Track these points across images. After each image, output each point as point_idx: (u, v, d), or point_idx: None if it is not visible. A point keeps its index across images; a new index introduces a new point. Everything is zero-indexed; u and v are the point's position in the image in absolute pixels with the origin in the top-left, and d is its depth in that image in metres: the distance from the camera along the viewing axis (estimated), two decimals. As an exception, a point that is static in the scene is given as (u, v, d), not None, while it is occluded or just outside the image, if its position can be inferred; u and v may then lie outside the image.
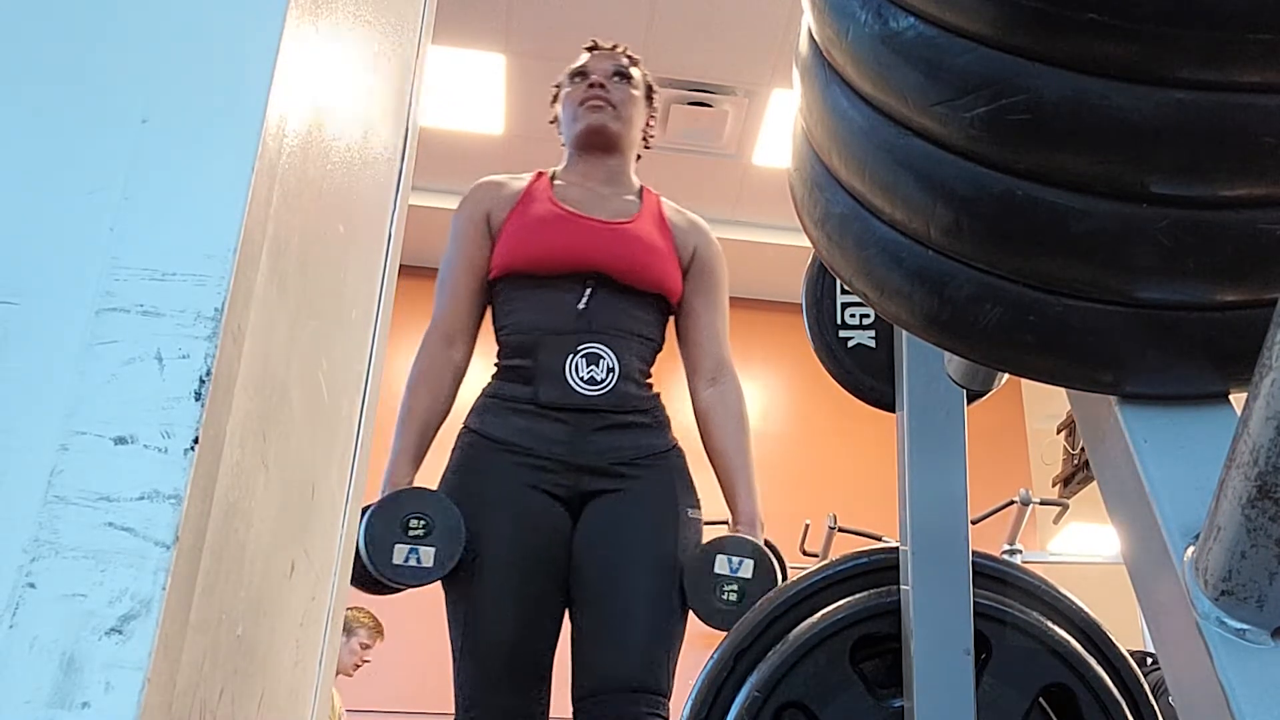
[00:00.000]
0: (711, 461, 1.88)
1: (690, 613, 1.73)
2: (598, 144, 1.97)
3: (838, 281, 1.29)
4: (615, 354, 1.79)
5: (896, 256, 0.60)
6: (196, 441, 0.70)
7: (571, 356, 1.78)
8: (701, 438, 1.90)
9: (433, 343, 1.92)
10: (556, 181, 1.98)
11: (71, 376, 0.71)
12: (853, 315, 1.27)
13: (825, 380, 1.31)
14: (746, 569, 1.70)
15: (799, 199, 0.69)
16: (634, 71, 2.04)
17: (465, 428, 1.83)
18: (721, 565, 1.70)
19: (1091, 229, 0.52)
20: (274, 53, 0.83)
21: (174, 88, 0.81)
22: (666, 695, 1.65)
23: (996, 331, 0.58)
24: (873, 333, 1.26)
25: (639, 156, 2.08)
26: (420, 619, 5.04)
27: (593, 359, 1.78)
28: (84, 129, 0.79)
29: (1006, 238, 0.55)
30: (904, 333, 1.12)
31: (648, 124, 2.08)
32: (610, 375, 1.78)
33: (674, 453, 1.83)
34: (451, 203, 6.28)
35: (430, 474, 1.83)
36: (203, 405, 0.71)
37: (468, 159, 5.37)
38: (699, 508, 1.81)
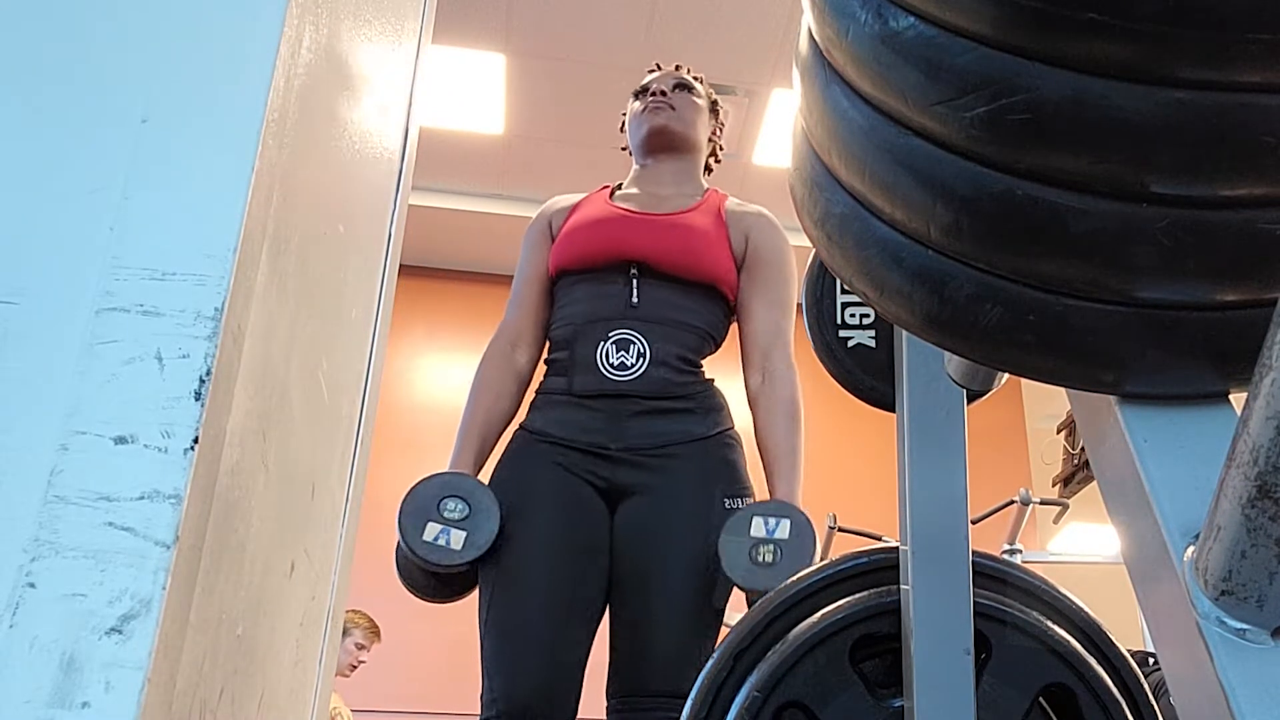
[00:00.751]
0: (758, 451, 1.85)
1: (724, 604, 1.72)
2: (661, 144, 2.01)
3: (838, 281, 1.29)
4: (647, 340, 1.80)
5: (896, 256, 0.60)
6: (196, 441, 0.70)
7: (603, 344, 1.80)
8: (753, 429, 1.87)
9: (496, 347, 1.94)
10: (618, 192, 2.02)
11: (71, 376, 0.71)
12: (853, 315, 1.27)
13: (825, 380, 1.30)
14: (784, 529, 1.66)
15: (799, 199, 0.69)
16: (696, 85, 2.09)
17: (518, 427, 1.87)
18: (758, 528, 1.66)
19: (1091, 229, 0.52)
20: (274, 53, 0.83)
21: (174, 88, 0.81)
22: None
23: (996, 331, 0.58)
24: (873, 332, 1.25)
25: (709, 169, 2.11)
26: (420, 619, 5.04)
27: (623, 345, 1.79)
28: (84, 129, 0.79)
29: (1006, 237, 0.55)
30: (904, 332, 1.12)
31: (714, 134, 2.12)
32: (641, 360, 1.78)
33: (718, 439, 1.80)
34: (451, 202, 6.23)
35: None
36: (203, 405, 0.71)
37: (468, 159, 5.37)
38: (746, 496, 1.77)
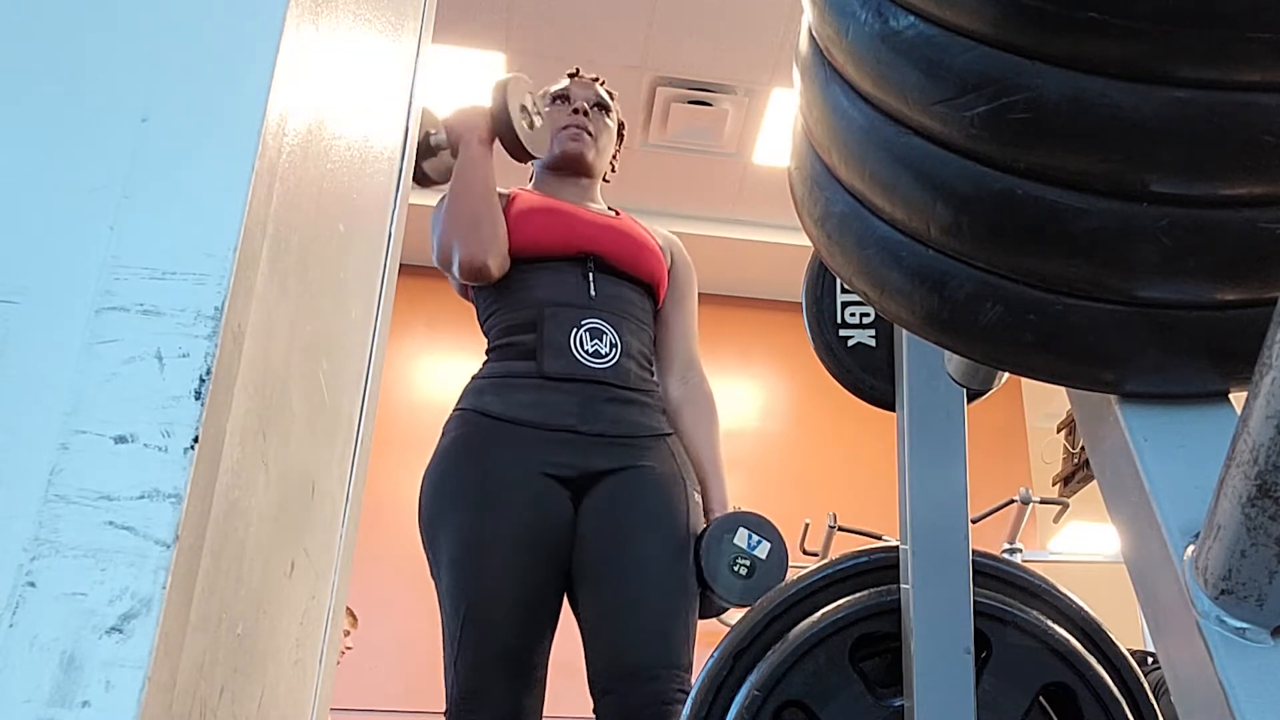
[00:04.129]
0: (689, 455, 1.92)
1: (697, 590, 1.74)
2: (574, 169, 2.07)
3: (838, 280, 1.29)
4: (617, 331, 1.84)
5: (896, 255, 0.60)
6: (196, 440, 0.70)
7: (576, 330, 1.81)
8: (679, 434, 1.94)
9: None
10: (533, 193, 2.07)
11: (72, 375, 0.71)
12: (853, 314, 1.27)
13: (825, 379, 1.30)
14: (763, 550, 1.74)
15: (799, 198, 0.69)
16: (611, 105, 2.15)
17: (459, 409, 1.83)
18: (741, 539, 1.74)
19: (1091, 228, 0.52)
20: (274, 52, 0.83)
21: (174, 87, 0.81)
22: (688, 669, 1.65)
23: (996, 330, 0.58)
24: (873, 331, 1.26)
25: (605, 181, 2.19)
26: (410, 618, 5.03)
27: (596, 334, 1.82)
28: (84, 129, 0.79)
29: (1006, 236, 0.55)
30: (904, 331, 1.12)
31: (614, 157, 2.19)
32: (614, 350, 1.82)
33: (674, 437, 1.88)
34: (451, 202, 6.14)
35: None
36: (203, 404, 0.71)
37: (468, 158, 5.36)
38: (699, 492, 1.86)
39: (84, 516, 0.67)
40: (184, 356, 0.72)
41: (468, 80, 4.87)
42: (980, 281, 0.57)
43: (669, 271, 2.03)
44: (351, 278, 1.31)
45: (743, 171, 5.42)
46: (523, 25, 4.60)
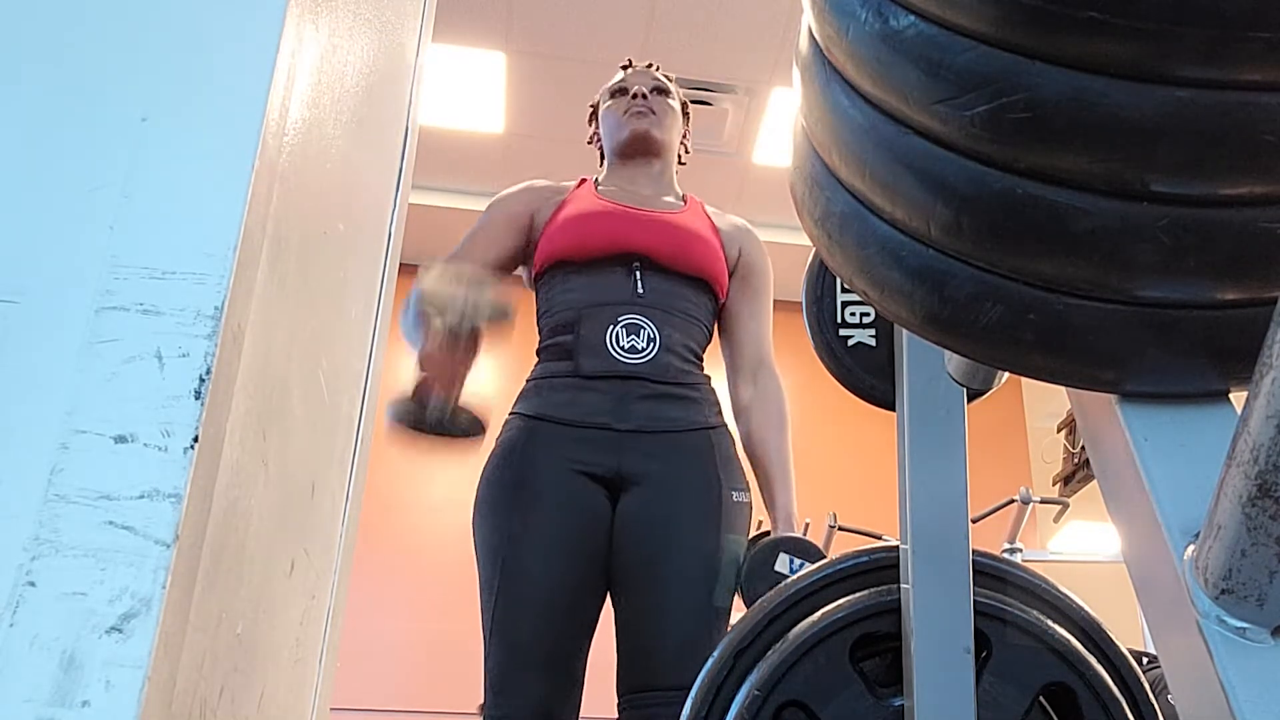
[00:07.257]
0: (750, 460, 1.89)
1: (735, 600, 1.73)
2: (641, 149, 2.03)
3: (838, 280, 1.29)
4: (656, 326, 1.81)
5: (897, 255, 0.60)
6: (196, 440, 0.70)
7: (612, 327, 1.80)
8: (741, 437, 1.91)
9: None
10: (600, 186, 2.03)
11: (72, 375, 0.71)
12: (853, 314, 1.27)
13: (825, 379, 1.30)
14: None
15: (799, 197, 0.69)
16: (671, 88, 2.14)
17: (510, 414, 1.85)
18: (783, 564, 1.71)
19: (1092, 227, 0.52)
20: (274, 52, 0.83)
21: (174, 87, 0.81)
22: None
23: (997, 330, 0.58)
24: (873, 331, 1.25)
25: (676, 170, 2.15)
26: (403, 618, 5.03)
27: (633, 329, 1.80)
28: (84, 128, 0.79)
29: (1007, 236, 0.55)
30: (904, 331, 1.12)
31: (684, 137, 2.16)
32: (651, 345, 1.80)
33: (720, 431, 1.83)
34: (452, 201, 6.18)
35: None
36: (202, 404, 0.71)
37: (468, 158, 5.37)
38: (746, 490, 1.81)
39: (84, 516, 0.67)
40: (184, 356, 0.72)
41: (468, 79, 4.88)
42: (980, 281, 0.57)
43: (737, 264, 1.98)
44: (351, 277, 1.31)
45: (743, 171, 5.42)
46: (523, 25, 4.60)
